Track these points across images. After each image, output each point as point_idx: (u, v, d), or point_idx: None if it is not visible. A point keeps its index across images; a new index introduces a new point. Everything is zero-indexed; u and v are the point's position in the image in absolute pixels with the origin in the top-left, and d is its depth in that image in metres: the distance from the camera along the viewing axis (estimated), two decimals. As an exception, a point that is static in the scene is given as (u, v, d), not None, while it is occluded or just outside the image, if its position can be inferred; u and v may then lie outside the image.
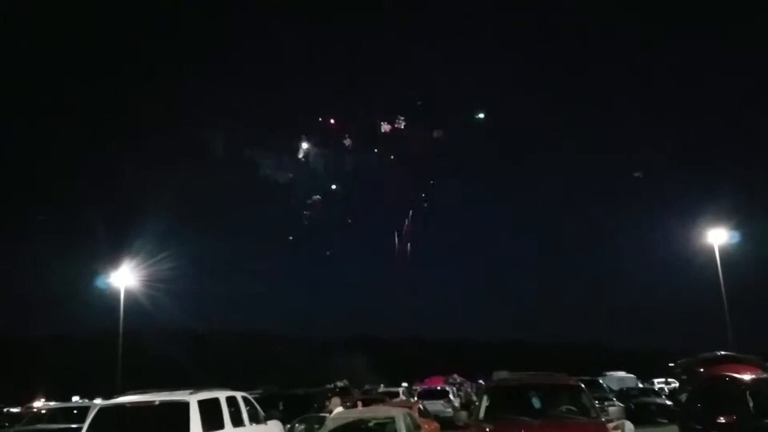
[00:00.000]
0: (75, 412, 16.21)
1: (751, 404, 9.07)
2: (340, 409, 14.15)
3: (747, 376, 10.55)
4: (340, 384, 33.04)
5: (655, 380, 40.56)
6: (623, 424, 9.34)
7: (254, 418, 12.21)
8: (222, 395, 10.97)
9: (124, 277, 32.58)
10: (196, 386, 10.73)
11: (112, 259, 34.08)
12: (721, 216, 32.66)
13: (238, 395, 11.97)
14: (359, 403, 17.64)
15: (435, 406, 23.96)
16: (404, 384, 44.26)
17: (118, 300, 32.19)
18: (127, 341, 32.40)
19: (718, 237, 31.34)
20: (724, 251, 31.38)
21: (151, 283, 35.90)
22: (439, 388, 31.47)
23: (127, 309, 33.01)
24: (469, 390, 37.10)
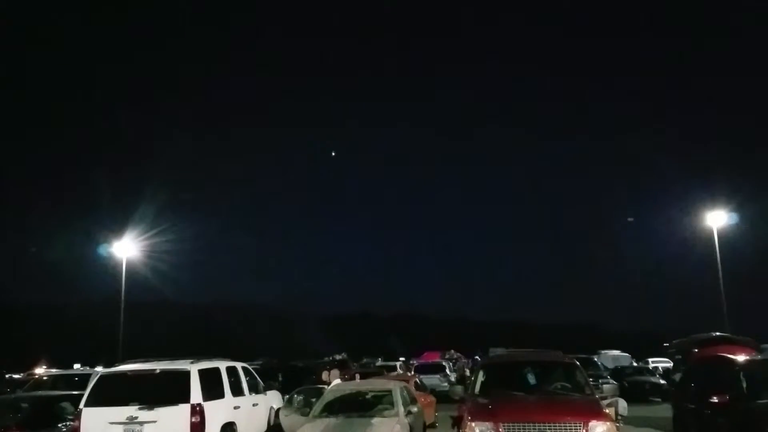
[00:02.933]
0: (76, 379, 16.32)
1: (744, 385, 9.17)
2: (338, 381, 14.34)
3: (741, 357, 10.67)
4: (338, 357, 33.42)
5: (650, 359, 40.87)
6: (617, 402, 9.44)
7: (254, 388, 12.39)
8: (222, 365, 11.12)
9: (126, 248, 32.73)
10: (196, 356, 10.87)
11: (115, 229, 34.18)
12: (719, 198, 32.54)
13: (238, 365, 12.13)
14: (357, 376, 17.85)
15: (431, 380, 24.24)
16: (401, 358, 44.72)
17: (121, 270, 32.41)
18: (129, 311, 32.66)
19: (716, 219, 31.28)
20: (722, 233, 31.36)
21: (153, 254, 36.03)
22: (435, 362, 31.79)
23: (130, 279, 33.24)
24: (463, 365, 37.45)
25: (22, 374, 35.77)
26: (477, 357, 38.99)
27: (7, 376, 32.05)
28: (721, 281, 30.67)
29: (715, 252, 30.91)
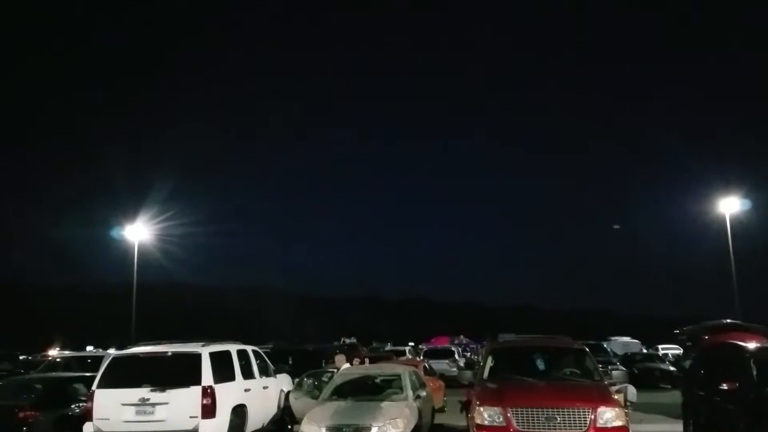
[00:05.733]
0: (89, 361, 16.47)
1: (754, 372, 9.10)
2: (347, 365, 14.41)
3: (752, 345, 10.58)
4: (348, 341, 33.57)
5: (660, 346, 40.79)
6: (626, 388, 9.45)
7: (264, 372, 12.48)
8: (233, 348, 11.20)
9: (139, 231, 32.98)
10: (208, 339, 10.95)
11: (128, 212, 34.40)
12: (731, 184, 32.14)
13: (249, 349, 12.21)
14: (367, 360, 17.91)
15: (440, 365, 24.34)
16: (411, 343, 44.87)
17: (133, 253, 32.68)
18: (141, 294, 32.97)
19: (729, 205, 30.93)
20: (734, 219, 31.04)
21: (165, 237, 36.30)
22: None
23: (142, 262, 33.52)
24: (478, 350, 37.53)
25: (35, 355, 36.24)
26: (486, 342, 39.01)
27: (21, 357, 32.47)
28: (733, 268, 30.43)
29: (728, 238, 30.63)
